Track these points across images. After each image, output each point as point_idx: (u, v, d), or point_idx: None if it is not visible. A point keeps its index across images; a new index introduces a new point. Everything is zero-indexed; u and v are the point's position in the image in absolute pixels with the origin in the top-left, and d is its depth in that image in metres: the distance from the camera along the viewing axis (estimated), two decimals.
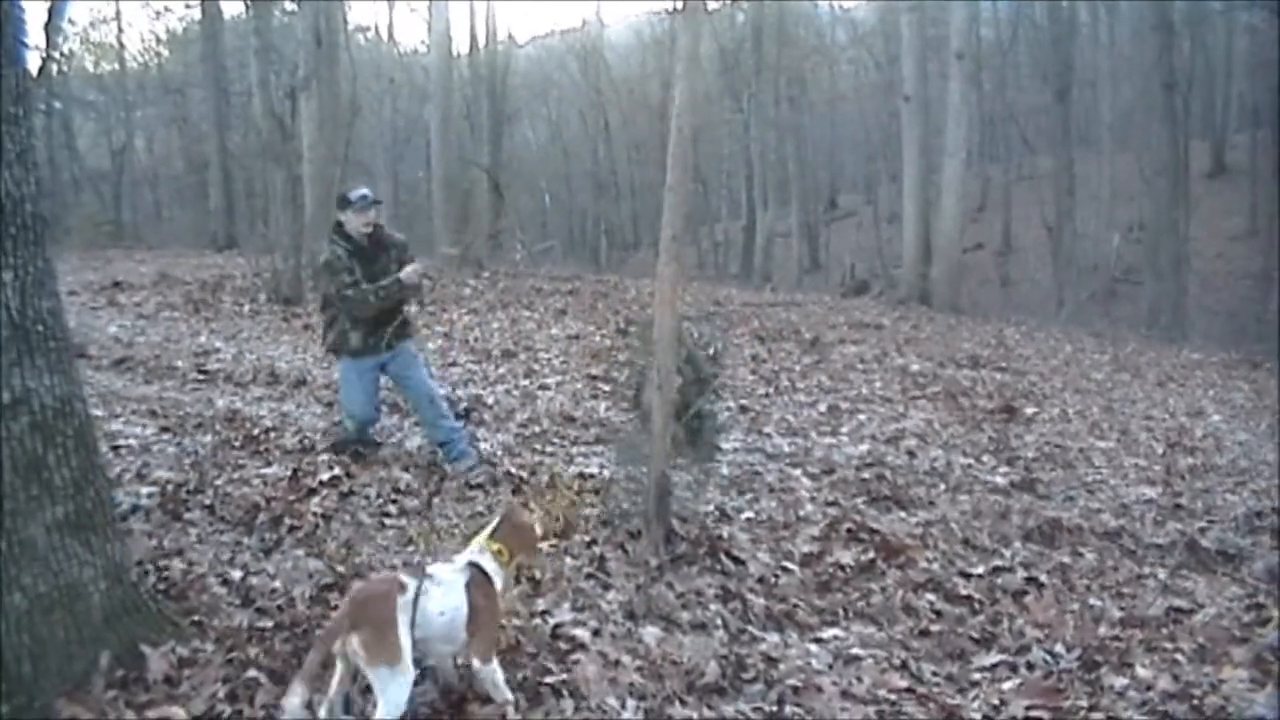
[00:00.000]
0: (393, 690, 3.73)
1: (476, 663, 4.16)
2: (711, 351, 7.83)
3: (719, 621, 5.38)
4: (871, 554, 6.59)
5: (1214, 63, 41.08)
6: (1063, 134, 32.80)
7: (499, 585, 4.29)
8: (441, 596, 4.01)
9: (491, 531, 4.40)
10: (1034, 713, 4.53)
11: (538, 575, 5.49)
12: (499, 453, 8.76)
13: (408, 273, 7.94)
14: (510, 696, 4.21)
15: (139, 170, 43.97)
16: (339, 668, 3.83)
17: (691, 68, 6.67)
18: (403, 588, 3.92)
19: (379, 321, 7.95)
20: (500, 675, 4.21)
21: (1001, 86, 44.12)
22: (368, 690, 3.86)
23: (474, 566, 4.22)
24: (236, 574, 5.29)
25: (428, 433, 8.38)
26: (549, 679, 4.47)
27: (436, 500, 7.07)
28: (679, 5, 7.09)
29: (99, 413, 8.85)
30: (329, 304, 8.19)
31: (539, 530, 4.67)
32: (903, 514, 7.77)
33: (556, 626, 5.02)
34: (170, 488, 6.82)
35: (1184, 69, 29.14)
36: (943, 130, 26.25)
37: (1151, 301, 27.05)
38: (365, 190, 8.13)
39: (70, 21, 38.07)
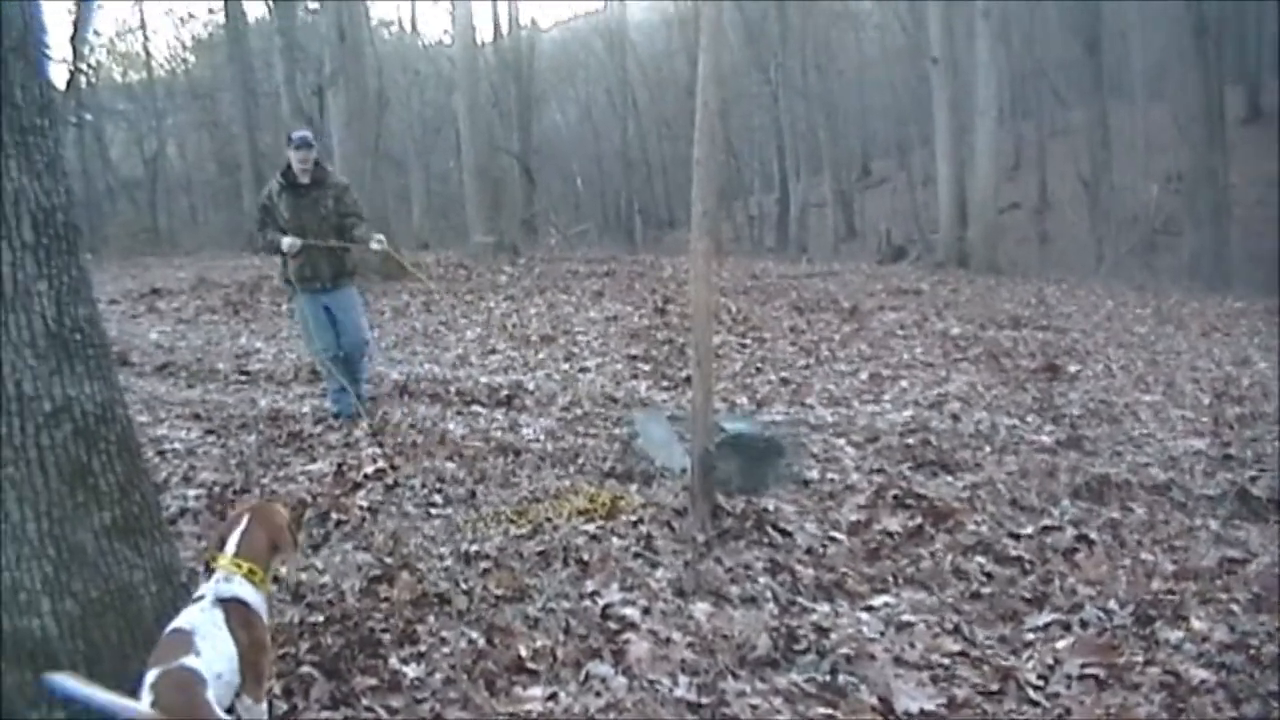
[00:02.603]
0: None
1: (248, 701, 3.61)
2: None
3: (768, 594, 5.38)
4: (919, 519, 6.56)
5: (1245, 7, 40.41)
6: (1094, 86, 32.46)
7: (263, 611, 3.76)
8: (215, 655, 3.44)
9: (236, 547, 3.81)
10: (1089, 670, 4.50)
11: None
12: (541, 437, 8.78)
13: (287, 242, 8.98)
14: None
15: (172, 176, 44.30)
16: None
17: (715, 40, 6.64)
18: (201, 678, 3.31)
19: (312, 258, 9.11)
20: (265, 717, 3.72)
21: (1030, 41, 43.68)
22: None
23: (227, 603, 3.62)
24: (285, 570, 5.32)
25: (344, 370, 9.27)
26: (600, 659, 4.49)
27: (481, 488, 7.08)
28: None
29: (144, 418, 8.94)
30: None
31: (290, 529, 4.08)
32: (949, 478, 7.73)
33: (606, 607, 5.04)
34: (217, 489, 6.88)
35: (1214, 14, 28.67)
36: (973, 90, 26.03)
37: (1193, 251, 26.77)
38: (305, 132, 9.55)
39: (96, 33, 38.38)
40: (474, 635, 4.67)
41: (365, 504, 6.65)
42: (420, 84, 46.42)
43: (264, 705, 3.70)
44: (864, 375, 12.21)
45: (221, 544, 3.84)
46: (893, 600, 5.41)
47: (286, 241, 8.98)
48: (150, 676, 3.26)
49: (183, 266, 23.98)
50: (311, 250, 9.08)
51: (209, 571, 3.84)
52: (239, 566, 3.74)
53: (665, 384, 11.50)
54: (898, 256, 29.78)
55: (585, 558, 5.66)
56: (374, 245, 9.08)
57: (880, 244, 35.41)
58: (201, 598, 3.65)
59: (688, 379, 9.46)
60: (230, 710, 3.51)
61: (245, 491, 6.86)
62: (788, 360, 13.09)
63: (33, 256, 3.72)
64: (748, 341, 14.21)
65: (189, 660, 3.32)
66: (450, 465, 7.64)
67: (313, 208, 9.13)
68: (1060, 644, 4.81)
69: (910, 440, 8.86)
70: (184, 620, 3.54)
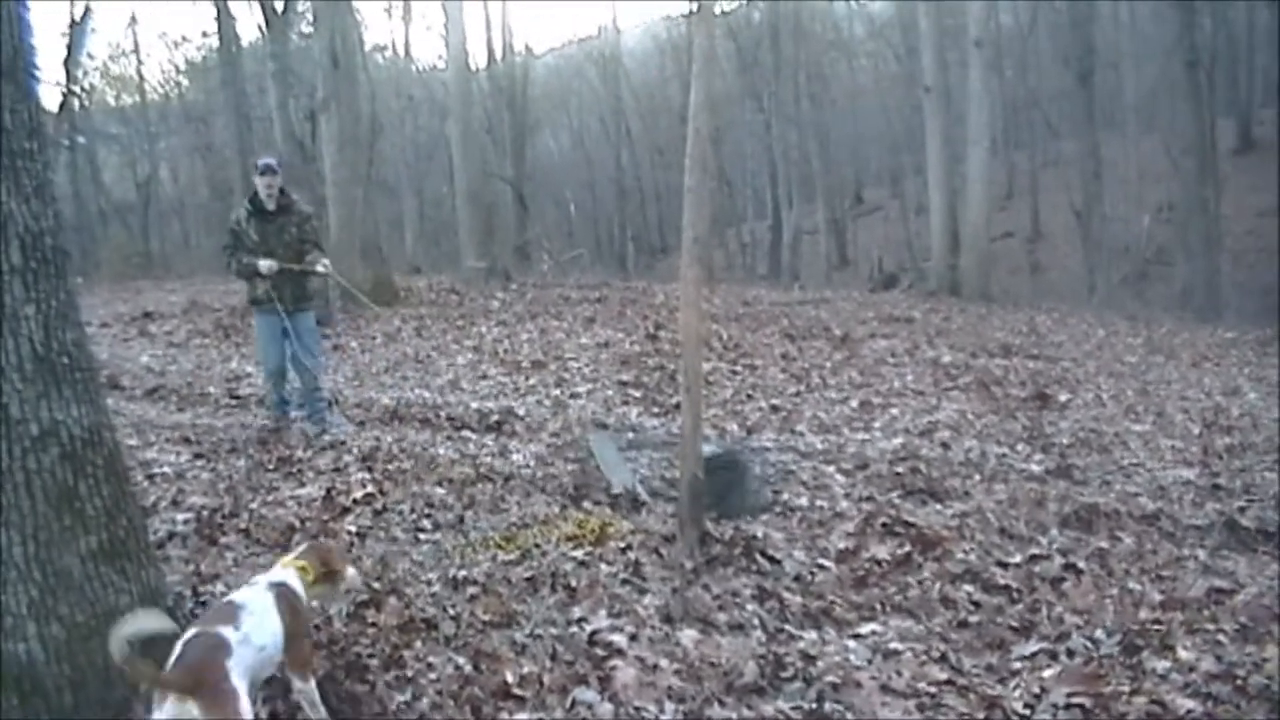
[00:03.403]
0: None
1: (297, 682, 4.04)
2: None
3: (756, 621, 5.37)
4: (908, 547, 6.56)
5: (1236, 38, 40.51)
6: (1087, 117, 32.56)
7: (304, 599, 4.18)
8: (260, 629, 3.78)
9: (296, 555, 4.36)
10: (1076, 699, 4.49)
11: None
12: (531, 462, 8.77)
13: (266, 264, 9.41)
14: (325, 715, 4.11)
15: (165, 200, 44.25)
16: None
17: (707, 67, 6.67)
18: (227, 646, 3.59)
19: (277, 282, 9.56)
20: (316, 695, 4.08)
21: (1023, 72, 43.97)
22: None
23: (278, 586, 4.06)
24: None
25: (301, 395, 10.15)
26: (586, 686, 4.48)
27: (469, 514, 7.07)
28: (693, 7, 7.10)
29: (133, 442, 8.93)
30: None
31: (345, 567, 4.52)
32: (938, 506, 7.73)
33: (593, 633, 5.02)
34: (206, 513, 6.85)
35: (1206, 46, 28.85)
36: (966, 119, 26.12)
37: (1184, 281, 26.88)
38: (270, 160, 10.06)
39: (89, 56, 38.37)
40: (461, 661, 4.66)
41: (354, 529, 6.63)
42: (414, 109, 46.54)
43: (311, 684, 4.04)
44: (854, 403, 12.22)
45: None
46: (880, 628, 5.40)
47: (265, 264, 9.41)
48: (187, 634, 3.58)
49: (175, 290, 23.98)
50: (277, 274, 9.55)
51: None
52: (294, 564, 4.25)
53: (656, 410, 11.51)
54: (890, 284, 29.74)
55: (573, 584, 5.65)
56: (319, 269, 9.77)
57: (872, 272, 35.44)
58: (256, 583, 4.08)
59: (678, 405, 9.47)
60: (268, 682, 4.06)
61: (234, 516, 6.83)
62: (778, 387, 13.11)
63: (20, 280, 3.73)
64: (738, 368, 14.23)
65: (225, 629, 3.63)
66: (439, 490, 7.62)
67: (279, 234, 9.66)
68: (1047, 673, 4.80)
69: (900, 468, 8.86)
70: (239, 595, 3.96)
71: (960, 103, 27.25)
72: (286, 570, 4.20)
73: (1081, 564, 6.39)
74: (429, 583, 5.63)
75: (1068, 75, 35.38)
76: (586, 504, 7.50)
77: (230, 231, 9.76)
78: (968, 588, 5.98)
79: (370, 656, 4.64)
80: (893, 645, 5.14)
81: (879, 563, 6.34)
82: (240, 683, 3.51)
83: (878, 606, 5.73)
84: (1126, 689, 4.58)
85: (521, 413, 11.10)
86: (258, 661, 3.71)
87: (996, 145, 34.50)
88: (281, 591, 4.02)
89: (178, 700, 3.39)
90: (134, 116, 43.71)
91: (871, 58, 52.36)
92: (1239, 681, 4.63)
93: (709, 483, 7.03)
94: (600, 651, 4.83)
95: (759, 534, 6.70)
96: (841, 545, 6.64)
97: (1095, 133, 32.53)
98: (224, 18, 31.85)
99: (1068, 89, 37.21)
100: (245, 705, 3.49)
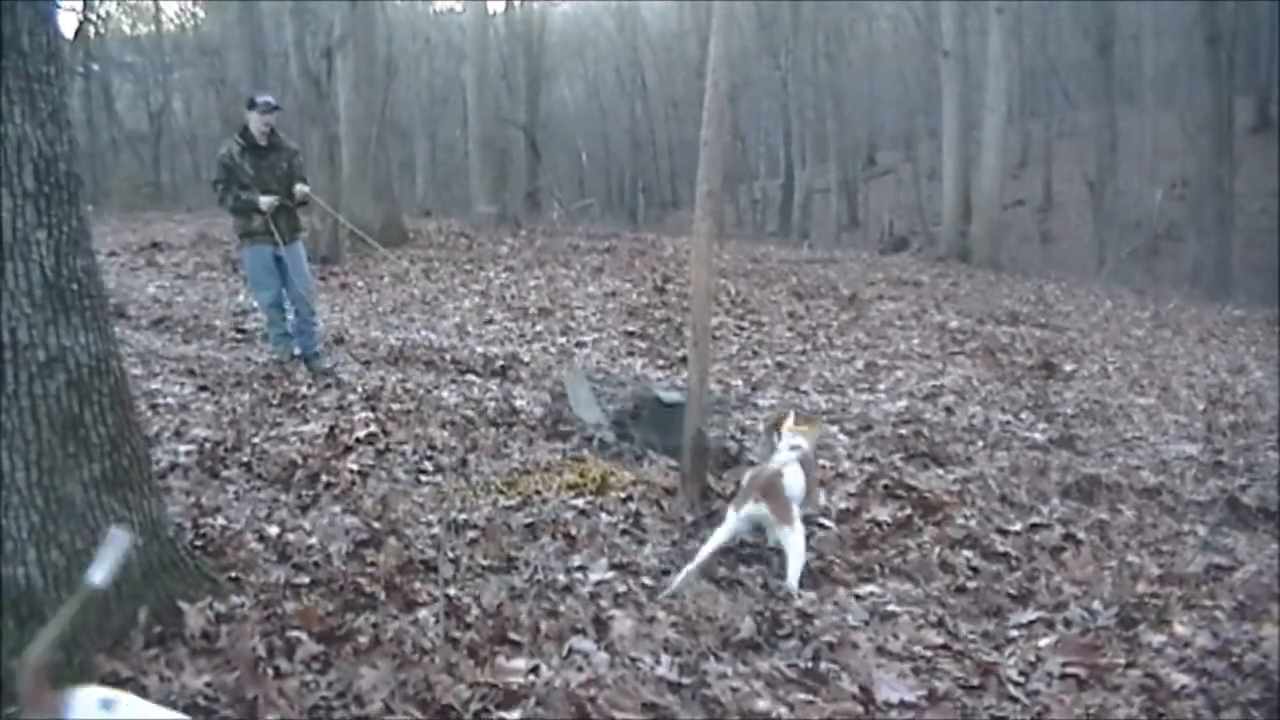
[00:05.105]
0: (794, 541, 5.29)
1: (810, 509, 5.86)
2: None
3: (755, 577, 5.38)
4: (908, 511, 6.56)
5: (1258, 16, 40.14)
6: (1105, 89, 32.40)
7: (811, 456, 5.98)
8: (793, 477, 5.57)
9: (794, 421, 6.17)
10: (1071, 670, 4.49)
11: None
12: (536, 409, 8.77)
13: (266, 201, 9.45)
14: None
15: (177, 132, 43.92)
16: (731, 524, 5.39)
17: (727, 22, 6.62)
18: (783, 473, 5.51)
19: (274, 215, 9.57)
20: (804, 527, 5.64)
21: (1042, 41, 43.62)
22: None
23: (798, 451, 5.81)
24: (273, 530, 5.31)
25: (294, 326, 10.06)
26: (583, 635, 4.48)
27: (471, 457, 7.08)
28: None
29: (138, 372, 8.93)
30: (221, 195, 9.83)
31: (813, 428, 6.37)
32: (940, 471, 7.74)
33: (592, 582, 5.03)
34: (208, 445, 6.85)
35: (1228, 23, 28.64)
36: (983, 86, 26.00)
37: (1195, 258, 26.81)
38: (269, 97, 9.96)
39: None
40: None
41: (355, 468, 6.63)
42: (430, 52, 46.28)
43: (816, 504, 6.13)
44: (860, 364, 12.22)
45: (777, 424, 6.30)
46: (878, 590, 5.40)
47: (265, 201, 9.46)
48: (751, 471, 5.86)
49: (184, 222, 23.93)
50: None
51: (772, 432, 6.35)
52: (799, 429, 6.09)
53: (661, 362, 11.51)
54: (899, 247, 29.68)
55: (573, 532, 5.67)
56: (298, 191, 9.80)
57: (882, 234, 35.32)
58: (789, 452, 5.85)
59: (683, 359, 9.45)
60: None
61: (236, 449, 6.83)
62: (784, 345, 13.11)
63: (33, 205, 3.70)
64: (745, 324, 14.22)
65: (782, 468, 5.61)
66: (442, 433, 7.63)
67: (271, 169, 9.70)
68: (1043, 642, 4.80)
69: (903, 431, 8.86)
70: (780, 463, 5.68)
71: (978, 69, 27.10)
72: (797, 435, 6.01)
73: (1081, 535, 6.39)
74: (429, 525, 5.64)
75: (1087, 46, 35.23)
76: (558, 443, 7.56)
77: (222, 166, 9.69)
78: (967, 553, 5.98)
79: (370, 596, 4.65)
80: (890, 607, 5.14)
81: (879, 525, 6.34)
82: (794, 503, 5.44)
83: (876, 568, 5.73)
84: (1122, 661, 4.57)
85: (527, 359, 11.11)
86: (794, 497, 5.53)
87: (1012, 113, 34.26)
88: (802, 456, 5.81)
89: (755, 502, 5.34)
90: (149, 46, 43.42)
91: (891, 20, 51.83)
92: (1234, 659, 4.62)
93: (655, 421, 7.60)
94: (600, 602, 4.83)
95: None
96: (842, 505, 6.64)
97: (1112, 105, 32.39)
98: None
99: (1087, 59, 37.04)
100: (797, 514, 5.39)
